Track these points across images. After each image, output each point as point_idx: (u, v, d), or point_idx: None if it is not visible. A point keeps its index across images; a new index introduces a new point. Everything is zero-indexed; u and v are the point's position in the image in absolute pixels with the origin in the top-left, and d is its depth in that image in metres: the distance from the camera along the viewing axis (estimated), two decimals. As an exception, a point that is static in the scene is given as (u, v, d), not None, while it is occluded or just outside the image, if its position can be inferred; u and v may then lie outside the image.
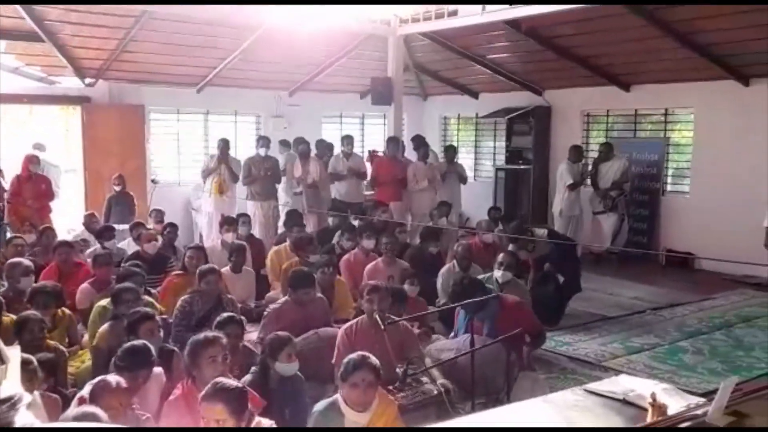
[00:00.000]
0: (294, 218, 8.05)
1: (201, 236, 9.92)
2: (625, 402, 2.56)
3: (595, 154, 10.08)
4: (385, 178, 9.64)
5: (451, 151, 10.41)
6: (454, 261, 6.56)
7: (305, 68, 11.16)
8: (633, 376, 3.48)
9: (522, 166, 11.18)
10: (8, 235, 7.65)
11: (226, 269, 6.45)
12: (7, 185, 8.71)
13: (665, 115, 10.10)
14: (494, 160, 12.29)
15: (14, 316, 4.48)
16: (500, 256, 5.81)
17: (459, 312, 4.89)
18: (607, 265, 9.43)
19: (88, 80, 9.78)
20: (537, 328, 4.90)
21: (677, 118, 10.16)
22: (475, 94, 12.26)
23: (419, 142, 10.18)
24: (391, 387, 3.88)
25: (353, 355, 3.17)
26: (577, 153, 9.71)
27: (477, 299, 4.39)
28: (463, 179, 10.27)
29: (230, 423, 2.67)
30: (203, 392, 2.81)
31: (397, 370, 4.09)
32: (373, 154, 11.21)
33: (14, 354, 0.88)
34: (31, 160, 8.73)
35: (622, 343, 6.12)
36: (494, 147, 12.37)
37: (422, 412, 3.83)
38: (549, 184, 10.85)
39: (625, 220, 9.85)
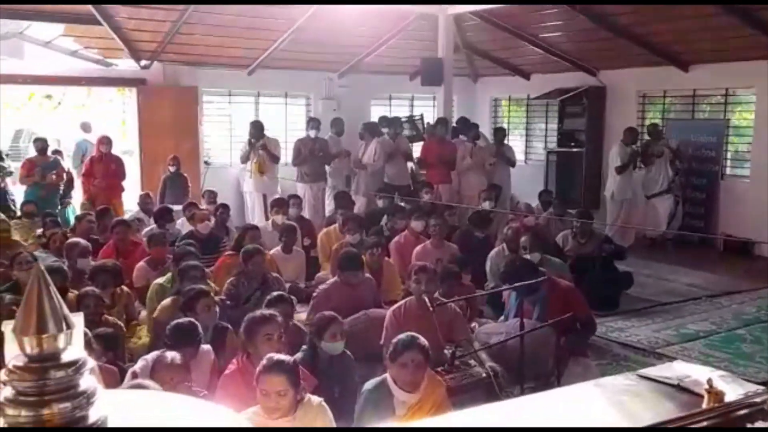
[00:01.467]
0: (342, 200, 8.11)
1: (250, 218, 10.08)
2: (680, 388, 2.51)
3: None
4: (433, 160, 9.60)
5: (500, 133, 10.30)
6: (504, 244, 6.51)
7: (355, 49, 11.15)
8: (688, 363, 3.41)
9: (574, 149, 10.97)
10: (75, 213, 7.93)
11: (276, 249, 6.55)
12: (67, 167, 9.02)
13: (725, 96, 9.75)
14: (546, 142, 12.09)
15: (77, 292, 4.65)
16: (522, 240, 5.75)
17: (509, 295, 4.86)
18: (661, 250, 9.21)
19: (143, 62, 9.98)
20: (588, 313, 4.83)
21: (738, 99, 9.81)
22: (526, 75, 12.05)
23: (469, 124, 10.10)
24: (438, 369, 3.89)
25: (402, 336, 3.19)
26: (631, 135, 9.47)
27: (528, 282, 4.35)
28: (512, 162, 10.15)
29: (290, 395, 2.73)
30: (262, 365, 2.87)
31: (445, 352, 4.10)
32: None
33: (78, 321, 0.91)
34: (102, 141, 8.99)
35: (676, 330, 5.99)
36: (546, 129, 12.16)
37: (470, 394, 3.83)
38: (602, 167, 10.62)
39: (680, 203, 9.59)
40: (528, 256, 5.55)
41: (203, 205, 8.29)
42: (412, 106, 12.83)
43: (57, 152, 9.37)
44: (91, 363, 0.94)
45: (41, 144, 8.79)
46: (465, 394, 3.79)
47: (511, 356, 4.04)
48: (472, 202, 8.85)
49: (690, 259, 8.67)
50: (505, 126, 12.04)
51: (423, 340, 3.16)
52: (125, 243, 6.32)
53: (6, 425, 0.85)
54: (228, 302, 5.01)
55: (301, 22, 9.61)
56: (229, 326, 4.13)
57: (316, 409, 2.89)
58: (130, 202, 9.57)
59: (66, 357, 0.90)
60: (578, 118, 10.99)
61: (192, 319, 3.80)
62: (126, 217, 7.77)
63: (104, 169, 8.86)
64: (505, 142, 10.26)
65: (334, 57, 11.20)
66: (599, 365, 4.94)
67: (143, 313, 5.27)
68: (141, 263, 5.88)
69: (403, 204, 8.21)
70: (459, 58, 11.61)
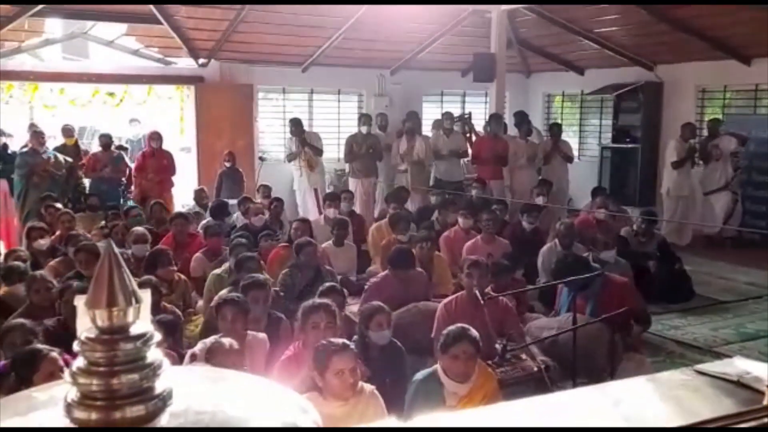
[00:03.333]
0: (397, 195, 8.15)
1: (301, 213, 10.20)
2: (740, 384, 2.45)
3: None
4: (485, 156, 9.55)
5: (555, 129, 10.15)
6: (556, 240, 6.44)
7: (407, 46, 11.16)
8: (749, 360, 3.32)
9: (630, 145, 10.74)
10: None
11: (328, 243, 6.64)
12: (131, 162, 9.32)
13: (790, 90, 9.41)
14: (600, 138, 11.87)
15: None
16: (603, 238, 5.66)
17: (561, 290, 4.82)
18: (720, 249, 8.95)
19: (201, 61, 10.21)
20: (643, 309, 4.75)
21: (804, 93, 9.45)
22: (580, 70, 11.85)
23: (521, 119, 9.99)
24: (489, 362, 3.89)
25: (453, 327, 3.21)
26: (689, 131, 9.22)
27: (581, 276, 4.30)
28: (569, 158, 9.99)
29: (358, 374, 2.81)
30: (332, 347, 2.94)
31: (496, 345, 4.09)
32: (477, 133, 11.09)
33: (146, 295, 0.94)
34: (152, 137, 9.26)
35: (735, 329, 5.84)
36: (600, 125, 11.94)
37: (521, 387, 3.81)
38: (658, 164, 10.38)
39: (739, 201, 9.28)
40: (607, 254, 5.48)
41: (258, 200, 8.46)
42: (463, 102, 12.77)
43: (120, 147, 9.69)
44: (158, 337, 0.98)
45: (106, 140, 9.09)
46: (516, 387, 3.78)
47: (563, 351, 4.01)
48: (524, 198, 8.77)
49: (750, 257, 8.38)
50: (559, 122, 11.86)
51: (474, 332, 3.17)
52: (183, 235, 6.51)
53: (79, 393, 0.88)
54: (282, 293, 5.11)
55: (354, 20, 9.68)
56: (283, 316, 4.22)
57: (369, 397, 2.94)
58: (182, 197, 9.82)
59: (134, 330, 0.92)
60: (634, 113, 10.75)
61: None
62: (183, 210, 7.98)
63: (156, 164, 9.11)
64: (561, 138, 10.09)
65: (387, 54, 11.24)
66: (654, 362, 4.85)
67: (200, 303, 5.42)
68: (198, 254, 6.05)
69: (454, 199, 8.19)
70: (511, 54, 11.50)
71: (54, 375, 3.12)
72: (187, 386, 0.99)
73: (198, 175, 10.38)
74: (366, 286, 5.41)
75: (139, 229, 6.12)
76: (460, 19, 10.51)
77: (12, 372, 3.30)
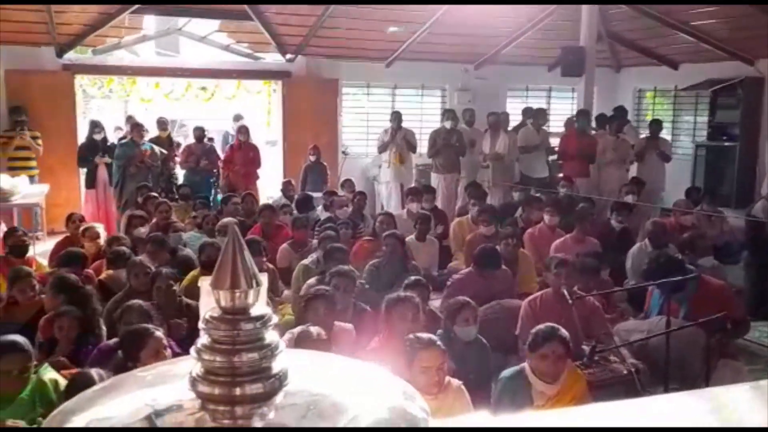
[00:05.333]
0: (475, 191, 8.09)
1: (382, 206, 10.26)
2: None
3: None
4: (572, 153, 9.33)
5: (655, 126, 9.73)
6: (646, 239, 6.23)
7: (493, 40, 11.03)
8: None
9: (726, 143, 10.25)
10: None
11: (410, 237, 6.66)
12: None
13: None
14: (694, 136, 11.39)
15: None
16: (701, 242, 5.44)
17: (652, 292, 4.66)
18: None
19: (288, 56, 10.43)
20: (741, 314, 4.54)
21: None
22: (674, 65, 11.39)
23: (614, 115, 9.69)
24: (577, 363, 3.81)
25: (542, 326, 3.16)
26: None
27: (675, 279, 4.15)
28: (666, 157, 9.60)
29: (445, 370, 2.81)
30: (421, 342, 2.95)
31: (584, 346, 4.00)
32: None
33: (264, 279, 0.97)
34: (240, 131, 9.53)
35: (841, 340, 5.47)
36: (694, 122, 11.45)
37: (610, 390, 3.71)
38: (757, 164, 9.87)
39: None
40: (706, 259, 5.29)
41: (341, 193, 8.58)
42: (549, 97, 12.52)
43: (211, 140, 10.03)
44: (275, 319, 1.01)
45: (199, 132, 9.43)
46: (604, 390, 3.69)
47: (654, 355, 3.88)
48: (612, 197, 8.51)
49: None
50: (649, 119, 11.44)
51: (564, 332, 3.12)
52: (270, 226, 6.68)
53: (203, 369, 0.92)
54: (369, 283, 5.17)
55: (439, 14, 9.66)
56: (368, 308, 4.27)
57: (456, 392, 2.94)
58: (268, 189, 10.06)
59: (254, 311, 0.96)
60: (732, 110, 10.26)
61: None
62: (271, 202, 8.19)
63: (243, 156, 9.36)
64: (659, 135, 9.69)
65: (472, 48, 11.15)
66: (752, 370, 4.62)
67: (286, 292, 5.55)
68: (284, 245, 6.20)
69: (539, 196, 8.05)
70: (601, 48, 11.18)
71: (159, 353, 3.27)
72: (302, 368, 1.02)
73: (283, 168, 10.62)
74: (449, 282, 5.40)
75: (229, 220, 6.32)
76: (549, 12, 10.31)
77: (119, 350, 3.47)
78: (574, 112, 10.34)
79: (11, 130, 8.72)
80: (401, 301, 3.65)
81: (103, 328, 4.21)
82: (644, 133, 10.06)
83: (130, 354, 3.27)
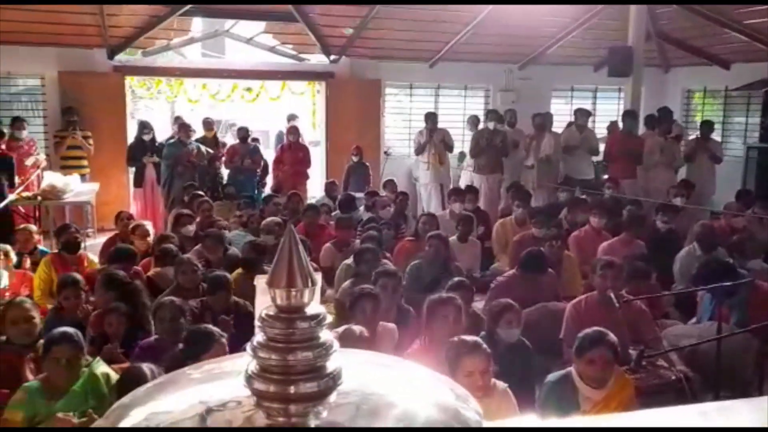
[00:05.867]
0: (519, 192, 8.00)
1: (423, 207, 10.22)
2: None
3: None
4: (618, 154, 9.16)
5: (706, 127, 9.49)
6: (695, 243, 6.08)
7: (538, 40, 10.92)
8: None
9: (779, 145, 9.97)
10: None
11: (453, 238, 6.62)
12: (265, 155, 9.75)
13: None
14: (745, 137, 11.09)
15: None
16: (751, 244, 5.28)
17: (703, 297, 4.55)
18: None
19: (332, 57, 10.49)
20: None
21: None
22: (725, 65, 11.09)
23: (662, 116, 9.49)
24: (624, 368, 3.74)
25: (590, 331, 3.11)
26: None
27: (727, 284, 4.04)
28: (717, 159, 9.35)
29: (490, 375, 2.79)
30: (465, 346, 2.94)
31: (630, 351, 3.93)
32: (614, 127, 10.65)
33: (318, 278, 0.97)
34: (290, 131, 9.63)
35: None
36: (746, 123, 11.15)
37: (658, 396, 3.64)
38: (813, 167, 9.56)
39: None
40: (749, 264, 5.16)
41: (383, 193, 8.59)
42: (595, 98, 12.33)
43: (255, 140, 10.15)
44: (330, 318, 1.01)
45: (243, 132, 9.56)
46: (652, 396, 3.61)
47: (704, 361, 3.79)
48: (659, 199, 8.32)
49: None
50: (698, 120, 11.17)
51: (612, 337, 3.06)
52: (313, 226, 6.73)
53: (258, 366, 0.93)
54: (411, 284, 5.17)
55: (484, 15, 9.60)
56: (411, 309, 4.26)
57: (501, 395, 2.92)
58: (313, 189, 10.14)
59: (309, 311, 0.96)
60: (786, 111, 9.96)
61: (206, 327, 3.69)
62: (313, 201, 8.26)
63: (292, 156, 9.44)
64: (710, 137, 9.46)
65: (516, 48, 11.05)
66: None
67: (328, 291, 5.58)
68: (327, 245, 6.23)
69: (584, 198, 7.93)
70: (649, 47, 10.96)
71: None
72: (355, 368, 1.03)
73: (326, 168, 10.69)
74: (492, 285, 5.35)
75: (273, 219, 6.39)
76: (595, 12, 10.15)
77: (164, 348, 3.53)
78: (621, 113, 10.18)
79: (64, 130, 8.98)
80: (443, 303, 3.64)
81: (152, 323, 4.30)
82: (692, 135, 9.82)
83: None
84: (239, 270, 5.26)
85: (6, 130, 8.18)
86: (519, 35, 10.44)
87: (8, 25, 8.52)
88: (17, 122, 8.41)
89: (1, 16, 8.36)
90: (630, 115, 9.31)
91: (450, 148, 9.68)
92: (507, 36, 10.44)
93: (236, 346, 3.74)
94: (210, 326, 3.57)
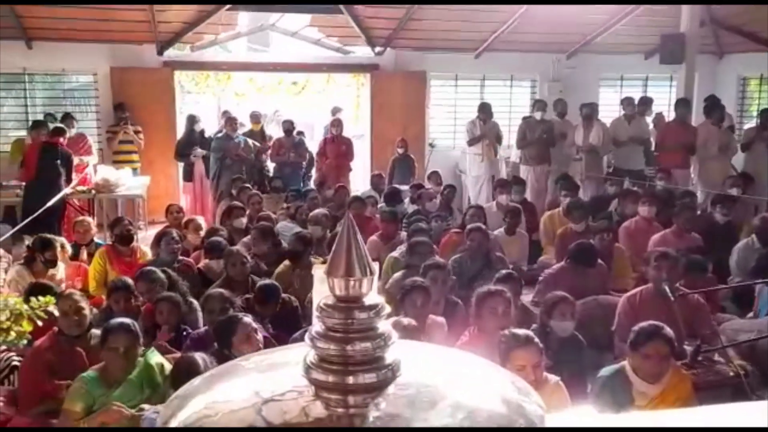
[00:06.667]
0: (566, 184, 7.88)
1: (469, 198, 10.13)
2: None
3: None
4: (670, 144, 8.92)
5: (765, 116, 9.18)
6: (753, 236, 5.89)
7: (586, 29, 10.69)
8: None
9: (842, 134, 9.52)
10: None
11: (500, 231, 6.56)
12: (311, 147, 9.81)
13: None
14: (804, 126, 10.64)
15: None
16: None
17: (761, 290, 4.40)
18: None
19: (377, 49, 10.47)
20: None
21: None
22: (783, 51, 10.70)
23: (713, 104, 9.20)
24: (679, 363, 3.64)
25: (645, 324, 3.03)
26: None
27: (788, 277, 3.90)
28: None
29: (541, 369, 2.75)
30: (517, 340, 2.91)
31: (685, 346, 3.82)
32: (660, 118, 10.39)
33: (375, 268, 0.95)
34: (334, 124, 9.65)
35: None
36: (805, 111, 10.70)
37: (716, 392, 3.53)
38: None
39: None
40: None
41: (428, 186, 8.54)
42: (645, 86, 12.02)
43: (300, 133, 10.21)
44: (388, 309, 0.99)
45: (288, 125, 9.62)
46: (709, 392, 3.51)
47: (763, 357, 3.67)
48: (714, 190, 8.07)
49: None
50: (756, 107, 10.79)
51: (669, 331, 2.98)
52: (359, 218, 6.73)
53: (317, 356, 0.92)
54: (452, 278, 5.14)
55: (530, 4, 9.44)
56: (459, 301, 4.24)
57: (554, 389, 2.87)
58: (356, 182, 10.15)
59: (367, 301, 0.95)
60: None
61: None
62: (359, 194, 8.27)
63: (335, 149, 9.45)
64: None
65: (563, 37, 10.84)
66: None
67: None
68: (373, 237, 6.24)
69: (635, 189, 7.74)
70: (703, 34, 10.62)
71: (250, 337, 3.37)
72: (414, 360, 1.01)
73: (371, 161, 10.69)
74: (541, 277, 5.29)
75: (320, 211, 6.42)
76: (645, -1, 9.89)
77: (214, 339, 3.59)
78: (672, 102, 9.90)
79: (116, 125, 9.18)
80: (492, 295, 3.60)
81: (200, 314, 4.36)
82: (748, 124, 9.47)
83: (223, 341, 3.40)
84: (286, 262, 5.31)
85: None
86: (566, 23, 10.23)
87: (62, 23, 8.76)
88: (67, 119, 8.62)
89: (55, 14, 8.59)
90: (683, 103, 9.05)
91: (500, 140, 9.56)
92: (554, 25, 10.24)
93: (284, 338, 3.79)
94: (231, 313, 3.68)
